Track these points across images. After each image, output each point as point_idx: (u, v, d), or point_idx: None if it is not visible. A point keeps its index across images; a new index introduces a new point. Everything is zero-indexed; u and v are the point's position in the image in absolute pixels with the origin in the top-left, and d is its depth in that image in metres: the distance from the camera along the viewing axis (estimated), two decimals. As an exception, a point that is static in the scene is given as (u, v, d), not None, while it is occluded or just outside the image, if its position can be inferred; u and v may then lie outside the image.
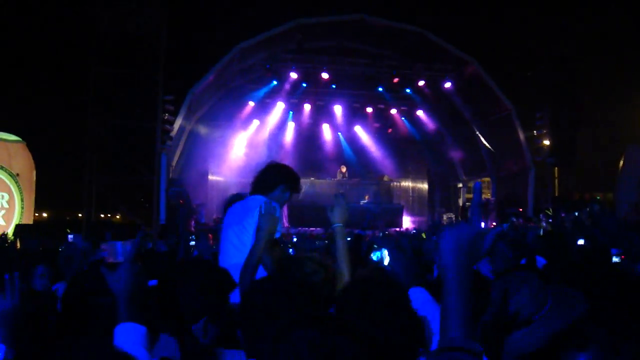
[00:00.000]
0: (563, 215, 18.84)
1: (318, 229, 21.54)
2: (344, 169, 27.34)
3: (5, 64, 32.63)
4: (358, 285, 2.75)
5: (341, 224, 3.97)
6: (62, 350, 2.10)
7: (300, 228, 22.00)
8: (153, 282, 3.34)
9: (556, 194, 24.83)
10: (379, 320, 2.41)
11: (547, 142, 23.34)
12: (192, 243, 8.73)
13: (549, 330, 2.54)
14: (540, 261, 5.10)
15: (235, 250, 4.79)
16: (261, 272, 4.03)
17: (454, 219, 27.60)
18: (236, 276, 3.65)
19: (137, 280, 2.64)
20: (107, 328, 2.52)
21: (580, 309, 2.60)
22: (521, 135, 24.17)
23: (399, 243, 3.45)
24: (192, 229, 21.49)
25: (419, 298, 2.96)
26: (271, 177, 5.39)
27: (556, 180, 25.21)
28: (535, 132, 24.02)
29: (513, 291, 2.66)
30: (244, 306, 2.64)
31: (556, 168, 24.81)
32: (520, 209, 23.61)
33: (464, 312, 1.85)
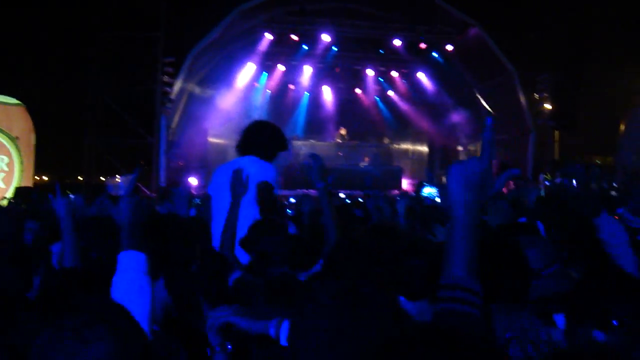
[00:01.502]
0: (559, 180, 18.90)
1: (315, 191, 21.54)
2: (343, 131, 27.33)
3: (4, 27, 32.43)
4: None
5: (324, 184, 4.00)
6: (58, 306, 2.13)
7: (298, 190, 22.02)
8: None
9: (556, 157, 24.80)
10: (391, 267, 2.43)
11: (548, 106, 23.26)
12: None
13: (555, 288, 2.61)
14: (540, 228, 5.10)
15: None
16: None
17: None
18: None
19: (137, 211, 2.78)
20: (102, 281, 2.61)
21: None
22: (522, 99, 24.09)
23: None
24: (193, 191, 21.53)
25: None
26: (260, 136, 5.36)
27: (556, 144, 25.17)
28: (536, 95, 23.93)
29: (522, 246, 2.71)
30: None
31: (557, 131, 24.76)
32: (520, 170, 23.62)
33: (469, 250, 1.85)
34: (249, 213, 4.66)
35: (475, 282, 1.82)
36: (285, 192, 20.23)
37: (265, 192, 4.80)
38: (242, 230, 4.19)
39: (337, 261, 2.63)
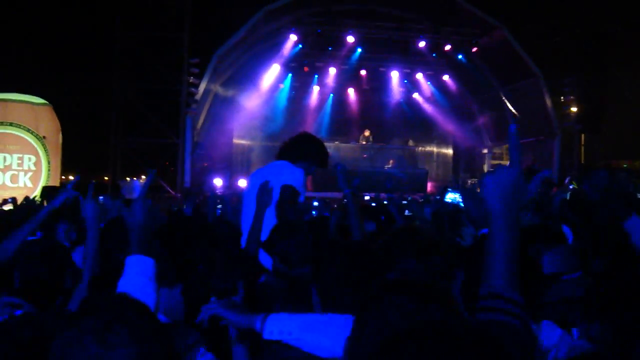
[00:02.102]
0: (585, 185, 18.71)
1: (340, 193, 21.51)
2: (367, 133, 27.28)
3: (32, 28, 32.72)
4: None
5: (351, 189, 4.31)
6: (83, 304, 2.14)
7: (323, 192, 22.00)
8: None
9: (582, 161, 24.63)
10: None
11: (574, 109, 23.11)
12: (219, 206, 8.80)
13: (575, 293, 2.60)
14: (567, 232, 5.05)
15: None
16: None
17: (477, 184, 27.51)
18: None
19: (149, 215, 2.79)
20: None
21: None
22: (548, 102, 23.93)
23: (472, 189, 3.64)
24: (217, 192, 21.60)
25: None
26: (303, 149, 5.44)
27: (582, 147, 25.00)
28: (562, 98, 23.77)
29: (546, 249, 2.71)
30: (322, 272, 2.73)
31: (583, 135, 24.58)
32: (550, 172, 23.51)
33: (509, 259, 1.84)
34: (274, 215, 4.73)
35: (516, 291, 1.81)
36: (309, 194, 20.20)
37: (288, 196, 4.84)
38: (267, 230, 4.24)
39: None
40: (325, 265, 2.66)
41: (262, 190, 4.67)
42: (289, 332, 2.37)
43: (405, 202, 9.14)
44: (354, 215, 4.13)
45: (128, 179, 21.19)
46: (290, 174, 5.08)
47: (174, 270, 3.09)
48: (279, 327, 2.41)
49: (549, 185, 19.82)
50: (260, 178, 5.19)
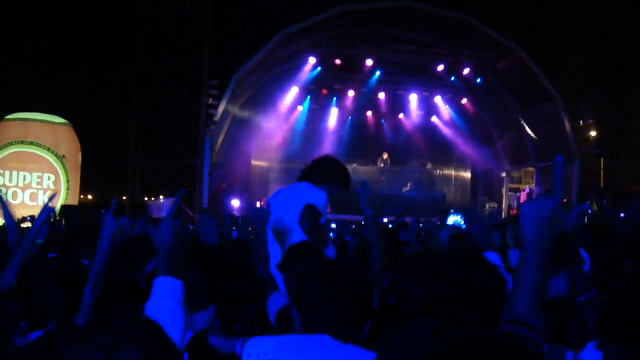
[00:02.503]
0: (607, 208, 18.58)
1: (358, 216, 21.50)
2: (385, 156, 27.28)
3: (52, 48, 33.07)
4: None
5: (372, 211, 4.08)
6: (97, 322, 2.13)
7: (341, 215, 21.96)
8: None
9: (601, 185, 24.47)
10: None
11: (593, 133, 23.00)
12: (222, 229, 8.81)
13: (588, 317, 2.58)
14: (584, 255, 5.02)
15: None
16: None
17: (496, 207, 27.40)
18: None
19: (177, 236, 2.71)
20: (139, 302, 2.58)
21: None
22: (567, 125, 23.83)
23: (473, 211, 3.61)
24: (235, 212, 21.63)
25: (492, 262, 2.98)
26: (326, 171, 5.47)
27: (602, 172, 24.85)
28: (581, 122, 23.67)
29: (555, 272, 2.70)
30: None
31: (602, 159, 24.45)
32: (565, 200, 23.37)
33: (537, 288, 1.85)
34: (296, 235, 4.75)
35: (539, 319, 1.82)
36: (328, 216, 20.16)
37: (310, 216, 4.87)
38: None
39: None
40: (306, 285, 2.63)
41: (258, 212, 4.63)
42: (266, 353, 2.37)
43: (422, 224, 9.11)
44: (374, 237, 3.97)
45: (158, 198, 21.24)
46: (312, 195, 5.11)
47: (205, 293, 3.06)
48: (257, 349, 2.41)
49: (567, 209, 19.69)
50: (281, 199, 5.24)
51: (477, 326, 1.65)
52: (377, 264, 3.81)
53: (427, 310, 1.75)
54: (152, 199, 21.45)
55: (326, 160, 5.64)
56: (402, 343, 1.61)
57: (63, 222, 13.59)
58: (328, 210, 5.36)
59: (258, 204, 23.32)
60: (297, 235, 4.76)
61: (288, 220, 4.84)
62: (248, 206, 23.88)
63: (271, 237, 5.01)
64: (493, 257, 3.07)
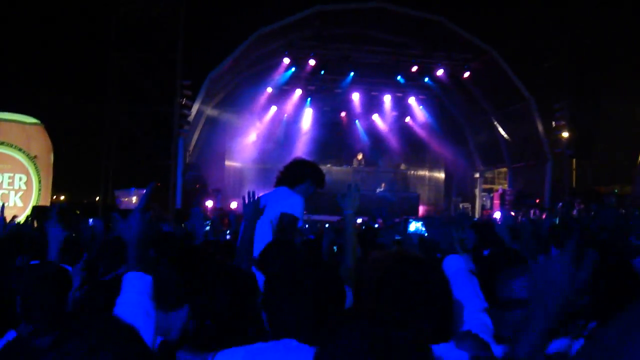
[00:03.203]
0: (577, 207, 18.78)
1: (332, 216, 21.52)
2: (360, 157, 27.33)
3: (23, 47, 32.76)
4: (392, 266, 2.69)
5: (352, 212, 4.11)
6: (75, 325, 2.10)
7: (314, 215, 21.96)
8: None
9: (573, 186, 24.69)
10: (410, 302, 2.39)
11: (565, 134, 23.18)
12: (207, 228, 8.78)
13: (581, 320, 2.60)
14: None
15: (256, 246, 4.94)
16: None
17: (469, 209, 27.56)
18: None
19: (147, 229, 2.65)
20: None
21: None
22: (539, 127, 24.04)
23: (434, 217, 3.63)
24: (208, 213, 21.55)
25: (454, 266, 3.01)
26: (299, 173, 5.56)
27: (574, 172, 25.07)
28: (553, 123, 23.84)
29: (514, 275, 2.71)
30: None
31: (574, 160, 24.66)
32: (537, 200, 23.56)
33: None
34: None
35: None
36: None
37: (287, 223, 4.92)
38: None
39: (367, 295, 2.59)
40: (273, 286, 2.61)
41: (249, 204, 4.61)
42: None
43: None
44: (349, 238, 4.01)
45: (125, 192, 21.11)
46: (289, 201, 5.17)
47: (181, 292, 3.02)
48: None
49: (542, 211, 19.87)
50: (266, 203, 5.28)
51: (415, 331, 1.65)
52: (348, 263, 3.84)
53: (367, 312, 1.74)
54: (123, 193, 21.29)
55: (298, 162, 5.75)
56: (338, 344, 1.60)
57: (35, 224, 13.47)
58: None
59: (234, 205, 23.31)
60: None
61: (266, 227, 4.90)
62: (222, 207, 23.85)
63: (259, 233, 5.05)
64: (455, 260, 3.07)
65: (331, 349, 1.62)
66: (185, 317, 3.00)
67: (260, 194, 5.70)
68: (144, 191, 2.89)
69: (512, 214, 20.81)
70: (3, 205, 6.53)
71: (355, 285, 2.94)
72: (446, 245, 3.30)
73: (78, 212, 14.58)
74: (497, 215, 21.09)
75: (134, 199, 20.68)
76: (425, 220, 3.90)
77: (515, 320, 2.56)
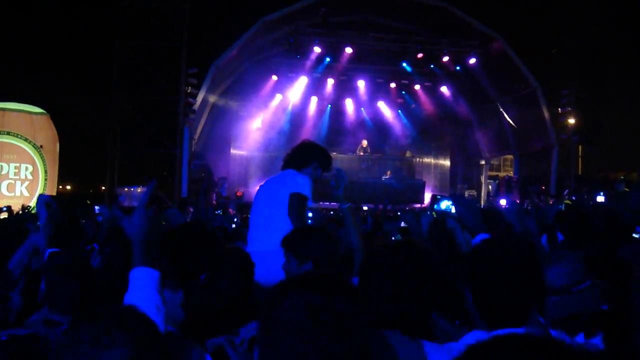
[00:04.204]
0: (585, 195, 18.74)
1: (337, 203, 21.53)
2: (365, 144, 27.25)
3: (30, 37, 32.78)
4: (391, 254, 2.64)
5: (348, 205, 4.03)
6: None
7: (320, 202, 21.96)
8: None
9: (579, 173, 24.64)
10: (405, 287, 2.36)
11: (571, 121, 23.11)
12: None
13: (584, 304, 2.58)
14: (560, 238, 5.06)
15: (265, 229, 4.94)
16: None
17: (475, 196, 27.52)
18: (261, 263, 3.66)
19: (151, 225, 2.63)
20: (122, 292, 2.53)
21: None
22: (546, 113, 23.96)
23: (462, 195, 3.57)
24: (214, 202, 21.59)
25: None
26: (305, 155, 5.56)
27: (580, 159, 25.03)
28: (560, 109, 23.77)
29: (554, 262, 2.68)
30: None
31: (580, 146, 24.60)
32: (543, 187, 23.51)
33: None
34: (283, 223, 4.78)
35: None
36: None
37: (297, 206, 4.90)
38: (277, 238, 4.11)
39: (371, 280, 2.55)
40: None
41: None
42: None
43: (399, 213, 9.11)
44: (354, 232, 3.88)
45: (127, 189, 21.07)
46: (297, 183, 5.15)
47: (177, 276, 3.00)
48: None
49: (548, 197, 19.83)
50: (269, 187, 5.30)
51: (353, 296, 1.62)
52: (359, 255, 3.76)
53: (305, 280, 1.70)
54: (125, 189, 21.30)
55: (304, 144, 5.72)
56: (280, 324, 1.57)
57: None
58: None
59: (238, 193, 23.33)
60: (286, 226, 4.76)
61: (276, 210, 4.90)
62: (229, 195, 23.87)
63: (255, 217, 5.07)
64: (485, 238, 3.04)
65: (271, 323, 1.60)
66: (179, 301, 2.99)
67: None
68: (147, 188, 2.87)
69: (517, 201, 20.81)
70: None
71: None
72: (474, 223, 3.25)
73: (89, 202, 14.61)
74: (503, 202, 21.10)
75: (138, 193, 20.69)
76: (453, 198, 3.81)
77: (552, 306, 2.56)
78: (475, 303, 2.33)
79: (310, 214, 10.19)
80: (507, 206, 6.38)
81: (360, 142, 27.42)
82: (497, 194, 26.07)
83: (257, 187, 5.66)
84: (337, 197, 4.09)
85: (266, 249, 4.32)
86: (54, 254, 3.87)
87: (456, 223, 3.92)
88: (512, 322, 2.17)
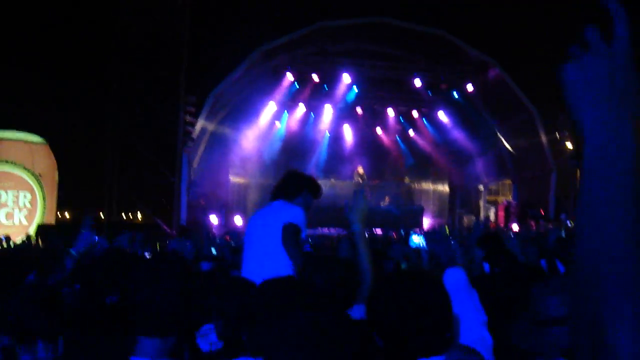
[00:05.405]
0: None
1: (336, 229, 21.54)
2: (361, 170, 27.28)
3: (28, 65, 32.89)
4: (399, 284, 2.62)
5: (360, 228, 3.87)
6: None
7: (318, 228, 21.95)
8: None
9: (577, 197, 24.62)
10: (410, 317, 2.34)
11: (569, 145, 23.15)
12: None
13: None
14: (560, 268, 5.04)
15: (259, 261, 4.93)
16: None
17: (475, 220, 27.52)
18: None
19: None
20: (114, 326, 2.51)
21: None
22: (543, 138, 24.02)
23: (435, 230, 3.59)
24: (214, 230, 21.57)
25: (455, 279, 2.96)
26: (295, 184, 5.53)
27: (578, 183, 25.03)
28: (557, 134, 23.82)
29: (550, 292, 2.67)
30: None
31: (578, 170, 24.60)
32: (542, 211, 23.51)
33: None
34: (278, 255, 4.77)
35: None
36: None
37: (291, 234, 4.88)
38: (273, 271, 4.13)
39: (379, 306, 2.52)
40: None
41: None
42: None
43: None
44: (364, 257, 3.71)
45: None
46: (290, 212, 5.13)
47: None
48: None
49: (547, 222, 19.81)
50: (261, 219, 5.28)
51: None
52: (367, 282, 3.64)
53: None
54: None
55: (292, 174, 5.72)
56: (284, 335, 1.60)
57: (40, 242, 13.50)
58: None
59: (239, 220, 23.34)
60: (280, 258, 4.75)
61: (270, 242, 4.86)
62: (227, 222, 23.87)
63: (249, 248, 5.06)
64: (456, 274, 3.04)
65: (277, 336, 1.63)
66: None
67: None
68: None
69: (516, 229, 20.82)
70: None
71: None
72: (447, 259, 3.26)
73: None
74: (515, 227, 21.17)
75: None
76: (426, 234, 3.80)
77: (554, 338, 2.54)
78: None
79: (309, 240, 10.15)
80: (476, 232, 6.30)
81: (357, 169, 27.47)
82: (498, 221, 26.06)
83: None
84: (349, 219, 3.95)
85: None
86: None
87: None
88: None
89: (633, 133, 1.11)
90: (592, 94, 1.20)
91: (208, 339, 2.99)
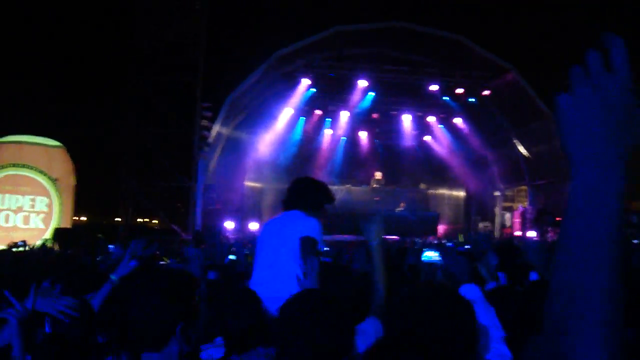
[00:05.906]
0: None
1: (353, 236, 21.47)
2: (379, 176, 27.27)
3: (47, 71, 33.11)
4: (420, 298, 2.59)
5: (377, 243, 3.86)
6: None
7: (335, 235, 21.90)
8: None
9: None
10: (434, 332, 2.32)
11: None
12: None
13: None
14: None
15: (271, 273, 4.88)
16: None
17: (490, 227, 27.41)
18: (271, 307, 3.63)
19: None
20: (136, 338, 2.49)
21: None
22: (559, 143, 23.86)
23: (449, 246, 3.56)
24: (228, 235, 21.61)
25: (471, 295, 2.96)
26: (309, 193, 5.44)
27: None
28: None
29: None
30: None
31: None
32: (558, 218, 23.37)
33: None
34: (291, 267, 4.72)
35: None
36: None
37: (308, 247, 4.84)
38: (284, 283, 4.11)
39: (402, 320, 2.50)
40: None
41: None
42: None
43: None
44: (379, 271, 3.72)
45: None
46: (308, 225, 5.07)
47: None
48: None
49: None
50: (275, 228, 5.20)
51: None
52: (380, 298, 3.63)
53: None
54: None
55: (305, 182, 5.62)
56: None
57: (56, 246, 13.54)
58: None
59: (254, 226, 23.34)
60: (293, 271, 4.72)
61: (284, 254, 4.80)
62: (242, 228, 23.88)
63: (260, 257, 5.02)
64: (471, 290, 3.03)
65: None
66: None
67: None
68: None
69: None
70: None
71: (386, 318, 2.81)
72: (461, 275, 3.25)
73: (100, 236, 14.60)
74: (533, 234, 21.03)
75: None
76: (440, 250, 3.75)
77: None
78: None
79: (325, 248, 10.11)
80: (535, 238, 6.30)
81: (374, 175, 27.42)
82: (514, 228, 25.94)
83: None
84: (367, 236, 3.93)
85: (273, 295, 4.20)
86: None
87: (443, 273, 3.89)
88: None
89: (622, 175, 1.12)
90: (584, 127, 1.16)
91: (209, 353, 2.98)
